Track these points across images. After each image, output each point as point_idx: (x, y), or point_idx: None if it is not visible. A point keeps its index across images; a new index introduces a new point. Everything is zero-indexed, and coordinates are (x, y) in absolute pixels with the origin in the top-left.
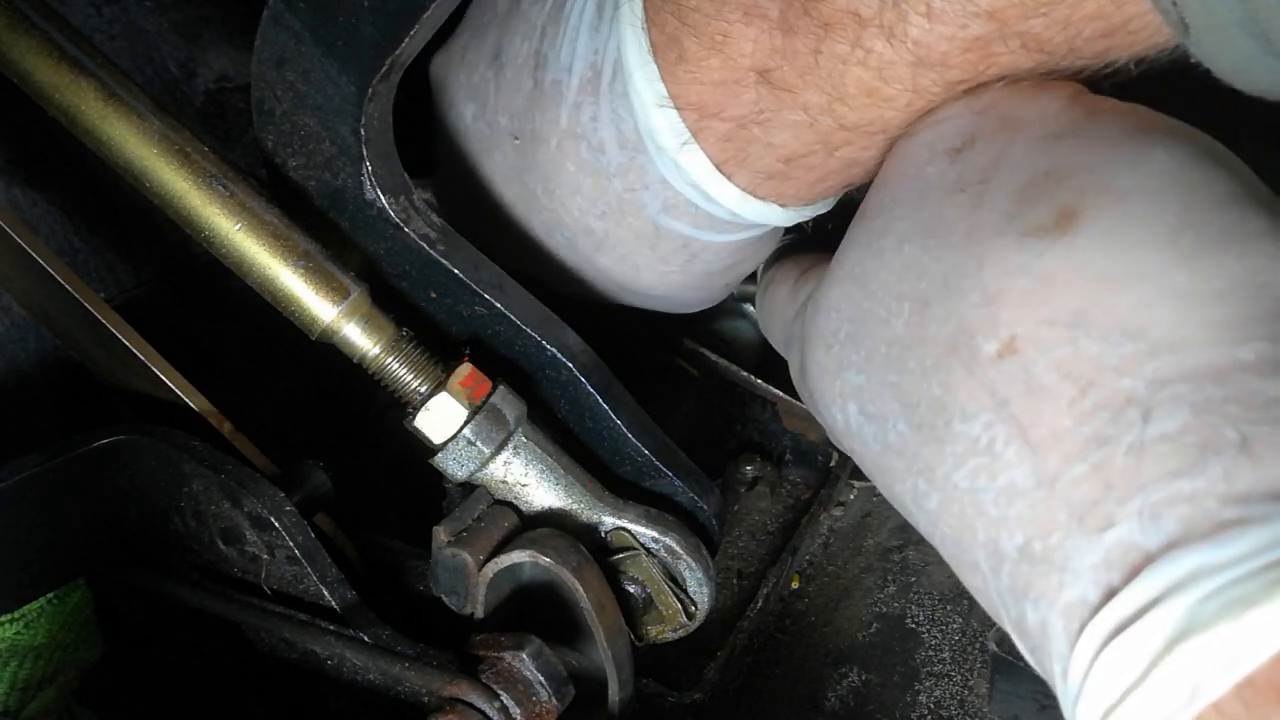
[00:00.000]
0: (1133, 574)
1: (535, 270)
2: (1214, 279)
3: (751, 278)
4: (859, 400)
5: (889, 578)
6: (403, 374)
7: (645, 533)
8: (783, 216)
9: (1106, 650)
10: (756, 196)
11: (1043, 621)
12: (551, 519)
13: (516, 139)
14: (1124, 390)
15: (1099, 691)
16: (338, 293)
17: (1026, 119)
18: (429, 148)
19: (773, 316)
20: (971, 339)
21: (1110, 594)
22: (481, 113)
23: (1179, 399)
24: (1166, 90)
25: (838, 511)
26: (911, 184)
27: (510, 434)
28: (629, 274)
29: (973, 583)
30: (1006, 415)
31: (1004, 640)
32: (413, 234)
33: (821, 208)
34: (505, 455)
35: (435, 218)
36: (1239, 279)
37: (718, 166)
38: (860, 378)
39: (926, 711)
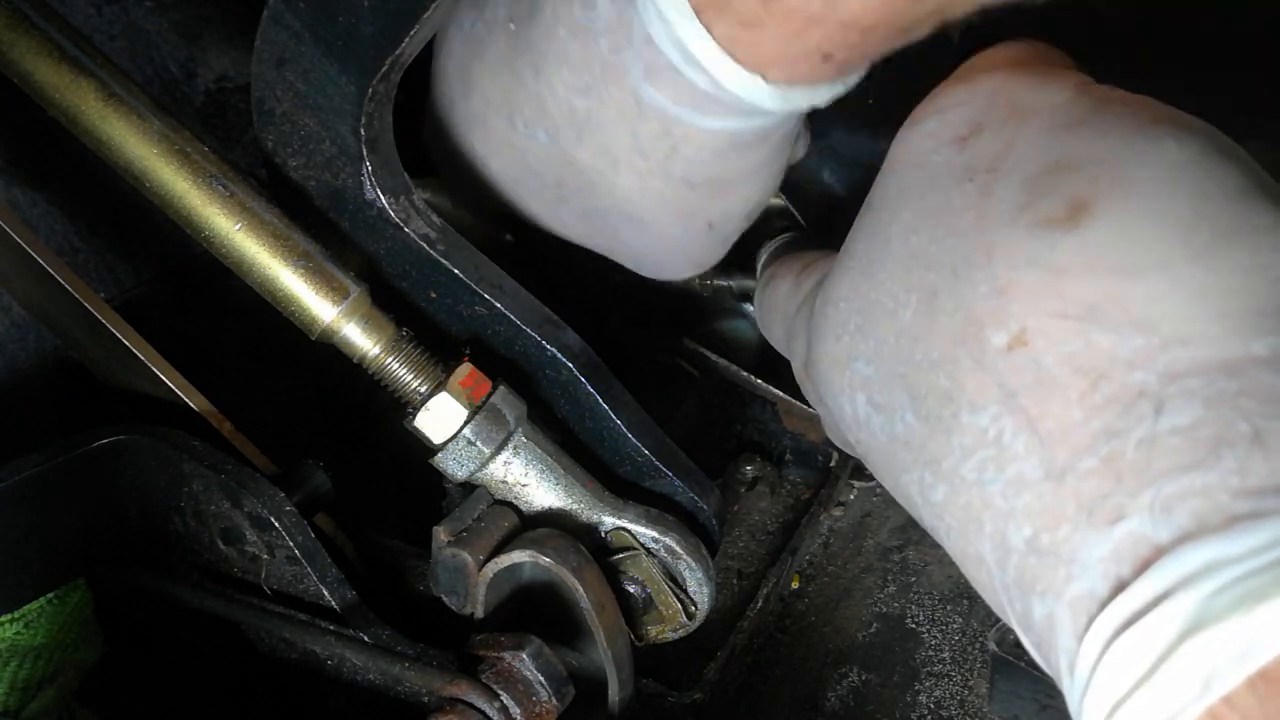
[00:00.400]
0: (1143, 567)
1: (511, 200)
2: (1227, 273)
3: (751, 275)
4: (868, 391)
5: (889, 578)
6: (403, 374)
7: (645, 533)
8: (768, 95)
9: (1116, 643)
10: (735, 58)
11: (1049, 615)
12: (551, 519)
13: (512, 23)
14: (1135, 383)
15: (1108, 685)
16: (338, 293)
17: (1035, 108)
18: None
19: (773, 312)
20: (980, 330)
21: (1120, 587)
22: (480, 15)
23: (1191, 393)
24: (1170, 85)
25: (838, 511)
26: (918, 173)
27: (510, 434)
28: (607, 172)
29: (977, 577)
30: (1015, 407)
31: (1004, 640)
32: (413, 234)
33: (807, 97)
34: (505, 455)
35: (435, 218)
36: (1252, 273)
37: (697, 13)
38: (869, 369)
39: (926, 711)
